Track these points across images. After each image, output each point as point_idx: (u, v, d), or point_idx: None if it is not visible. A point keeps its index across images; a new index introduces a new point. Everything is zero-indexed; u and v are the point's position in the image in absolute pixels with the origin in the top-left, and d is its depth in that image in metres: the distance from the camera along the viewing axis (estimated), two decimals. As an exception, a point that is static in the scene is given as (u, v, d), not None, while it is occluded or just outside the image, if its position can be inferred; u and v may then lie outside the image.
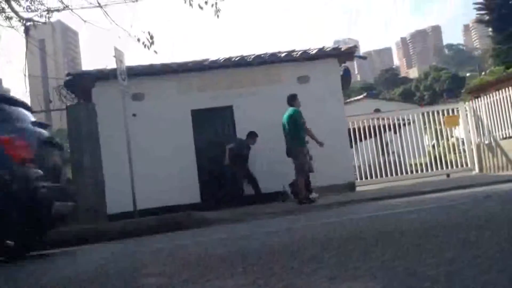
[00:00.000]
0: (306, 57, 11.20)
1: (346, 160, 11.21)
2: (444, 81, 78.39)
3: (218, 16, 9.74)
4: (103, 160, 10.45)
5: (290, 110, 9.18)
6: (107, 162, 10.39)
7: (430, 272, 2.11)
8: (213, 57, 11.40)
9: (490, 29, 47.80)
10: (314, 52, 11.24)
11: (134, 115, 10.25)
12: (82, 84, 10.86)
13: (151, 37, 9.68)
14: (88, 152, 10.43)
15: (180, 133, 10.81)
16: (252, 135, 10.49)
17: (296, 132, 8.99)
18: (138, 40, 9.72)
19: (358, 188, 11.45)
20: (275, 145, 10.49)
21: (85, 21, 10.74)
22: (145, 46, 9.71)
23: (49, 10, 10.69)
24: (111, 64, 9.99)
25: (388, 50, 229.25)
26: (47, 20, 10.84)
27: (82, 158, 10.40)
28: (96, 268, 3.83)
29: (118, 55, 8.92)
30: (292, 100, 9.38)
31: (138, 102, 10.72)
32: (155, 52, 9.82)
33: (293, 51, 11.33)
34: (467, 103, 13.68)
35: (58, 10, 10.65)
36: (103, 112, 10.53)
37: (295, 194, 9.38)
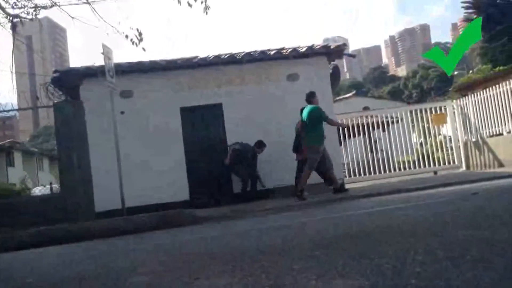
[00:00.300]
0: (296, 55, 11.20)
1: (335, 157, 11.23)
2: (432, 79, 78.99)
3: (207, 13, 9.68)
4: (91, 158, 10.36)
5: (309, 107, 9.22)
6: (95, 160, 10.31)
7: (417, 269, 2.14)
8: (202, 54, 11.35)
9: (478, 27, 47.49)
10: (303, 50, 11.24)
11: (122, 112, 10.19)
12: (69, 81, 10.75)
13: (140, 34, 9.60)
14: (76, 149, 10.33)
15: (169, 131, 10.76)
16: (261, 145, 10.46)
17: (314, 129, 9.06)
18: (126, 36, 9.64)
19: (347, 186, 11.49)
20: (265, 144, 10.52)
21: (73, 18, 10.61)
22: (133, 43, 9.62)
23: (36, 7, 10.55)
24: (99, 61, 9.91)
25: (377, 49, 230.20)
26: (34, 16, 10.69)
27: (70, 156, 10.31)
28: (87, 266, 3.81)
29: (106, 52, 8.84)
30: (311, 97, 9.44)
31: (127, 100, 10.65)
32: (143, 49, 9.74)
33: (283, 48, 11.33)
34: (454, 101, 13.81)
35: (45, 7, 10.52)
36: (91, 110, 10.44)
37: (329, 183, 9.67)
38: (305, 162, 9.49)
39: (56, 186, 24.39)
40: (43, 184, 31.46)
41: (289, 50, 11.20)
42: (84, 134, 10.38)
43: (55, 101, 10.92)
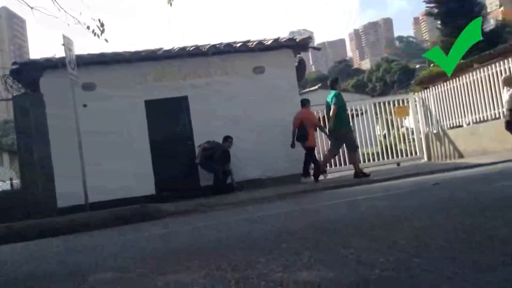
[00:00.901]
0: (262, 47, 11.19)
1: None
2: (395, 72, 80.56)
3: (171, 4, 9.51)
4: (52, 152, 10.10)
5: (332, 92, 9.68)
6: (57, 154, 10.05)
7: (380, 259, 2.17)
8: (167, 46, 11.20)
9: (439, 22, 49.24)
10: (269, 42, 11.24)
11: (85, 105, 9.96)
12: (29, 73, 10.42)
13: (102, 25, 9.34)
14: (36, 144, 10.05)
15: (134, 124, 10.59)
16: (227, 139, 10.43)
17: (339, 113, 9.40)
18: (88, 28, 9.37)
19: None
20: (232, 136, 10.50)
21: (32, 8, 10.25)
22: (95, 34, 9.37)
23: (-8, -4, 10.12)
24: (60, 53, 9.62)
25: (341, 42, 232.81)
26: (-9, 6, 10.26)
27: (30, 150, 10.02)
28: (47, 263, 3.71)
29: (67, 43, 8.59)
30: (334, 82, 10.04)
31: (89, 92, 10.40)
32: (106, 40, 9.49)
33: (248, 41, 11.30)
34: (416, 94, 14.12)
35: (2, -4, 10.08)
36: (52, 103, 10.15)
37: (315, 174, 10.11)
38: (310, 150, 10.17)
39: (16, 181, 23.69)
40: (3, 180, 30.49)
41: (255, 42, 11.18)
42: (45, 128, 10.09)
43: (15, 94, 10.57)
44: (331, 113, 9.43)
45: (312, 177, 10.25)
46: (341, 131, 9.50)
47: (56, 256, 4.20)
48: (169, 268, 2.70)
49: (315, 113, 12.22)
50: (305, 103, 10.55)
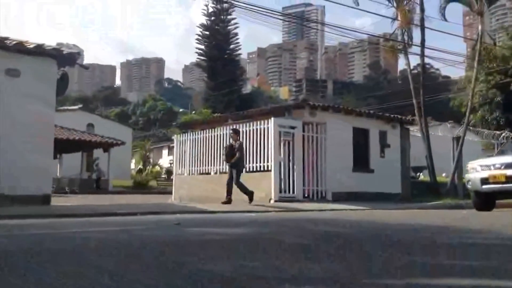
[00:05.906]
0: (21, 49, 10.03)
1: (46, 170, 10.31)
2: (159, 111, 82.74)
3: None
4: None
5: None
6: None
7: None
8: None
9: (206, 74, 53.32)
10: (31, 46, 10.16)
11: None
12: None
13: None
14: None
15: None
16: None
17: None
18: None
19: (55, 202, 10.64)
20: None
21: None
22: None
23: None
24: None
25: (112, 69, 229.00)
26: None
27: None
28: None
29: None
30: None
31: None
32: None
33: (7, 38, 10.02)
34: (176, 136, 14.64)
35: None
36: None
37: None
38: None
39: None
40: None
41: (14, 42, 10.00)
42: None
43: None
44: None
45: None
46: None
47: None
48: None
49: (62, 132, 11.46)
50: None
